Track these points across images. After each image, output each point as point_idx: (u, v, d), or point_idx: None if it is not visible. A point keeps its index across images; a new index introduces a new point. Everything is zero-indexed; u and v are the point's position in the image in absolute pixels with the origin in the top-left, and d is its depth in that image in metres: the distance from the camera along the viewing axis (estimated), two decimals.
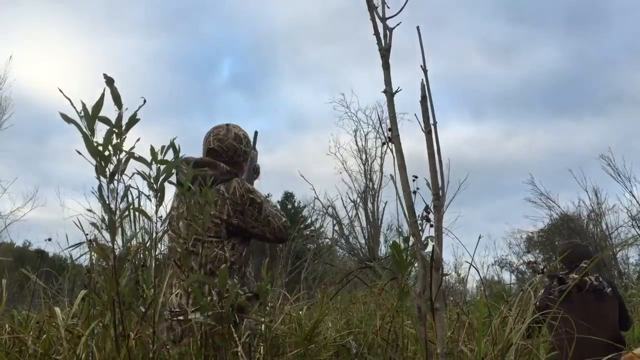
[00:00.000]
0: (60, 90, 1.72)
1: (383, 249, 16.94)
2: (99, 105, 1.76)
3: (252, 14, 27.74)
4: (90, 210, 2.02)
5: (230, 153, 2.57)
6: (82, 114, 1.76)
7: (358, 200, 18.29)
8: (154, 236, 2.02)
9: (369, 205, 18.25)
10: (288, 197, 20.45)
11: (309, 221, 18.67)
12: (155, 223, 1.99)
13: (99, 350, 1.70)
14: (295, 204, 20.21)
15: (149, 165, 1.97)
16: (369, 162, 18.69)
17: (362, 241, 17.86)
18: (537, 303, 3.58)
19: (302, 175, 17.33)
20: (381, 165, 18.48)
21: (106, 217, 1.83)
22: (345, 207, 17.99)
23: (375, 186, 18.47)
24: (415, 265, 1.49)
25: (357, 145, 19.01)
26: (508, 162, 26.84)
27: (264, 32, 28.23)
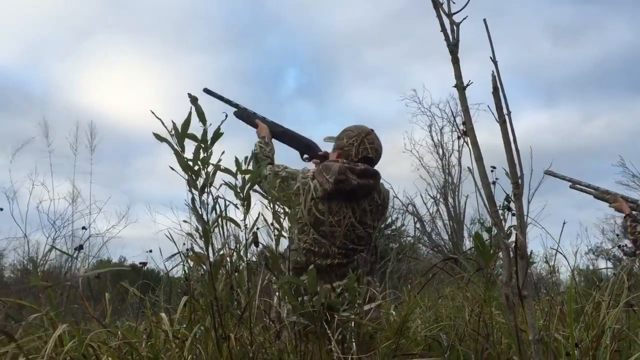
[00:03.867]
0: (153, 112, 1.86)
1: (467, 244, 16.59)
2: (187, 123, 1.89)
3: (310, 24, 27.97)
4: (185, 221, 2.16)
5: (378, 161, 2.59)
6: (173, 132, 1.89)
7: (438, 195, 18.00)
8: (243, 242, 2.13)
9: (450, 200, 17.93)
10: None
11: (389, 220, 18.60)
12: (244, 230, 2.10)
13: (204, 352, 1.82)
14: None
15: (235, 175, 2.08)
16: (447, 157, 18.34)
17: (446, 237, 17.59)
18: None
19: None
20: (459, 159, 18.10)
21: (200, 227, 1.96)
22: (425, 204, 17.71)
23: (455, 180, 18.12)
24: (500, 255, 1.50)
25: (432, 140, 18.68)
26: (590, 146, 25.41)
27: (323, 40, 28.37)
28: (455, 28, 1.59)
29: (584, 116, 27.10)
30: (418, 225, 17.58)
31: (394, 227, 18.18)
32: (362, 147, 2.51)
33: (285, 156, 2.87)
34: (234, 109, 2.86)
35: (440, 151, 18.41)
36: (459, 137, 17.34)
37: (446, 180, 18.11)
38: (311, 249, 2.37)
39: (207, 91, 2.82)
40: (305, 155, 2.92)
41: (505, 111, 1.44)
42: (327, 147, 2.82)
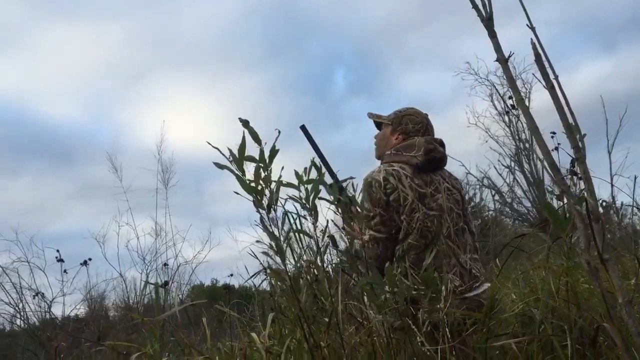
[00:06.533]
0: (209, 143, 1.93)
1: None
2: (242, 147, 1.95)
3: (347, 21, 27.78)
4: (259, 241, 2.22)
5: None
6: (231, 158, 1.96)
7: (512, 164, 17.43)
8: (319, 251, 2.17)
9: (525, 165, 17.33)
10: None
11: (467, 198, 18.17)
12: (316, 238, 2.14)
13: None
14: None
15: (297, 188, 2.13)
16: (514, 123, 17.73)
17: (528, 204, 17.00)
18: None
19: (447, 155, 16.90)
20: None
21: (273, 244, 2.01)
22: (500, 175, 17.18)
23: (527, 145, 17.48)
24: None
25: (496, 109, 18.09)
26: None
27: (363, 34, 28.11)
28: (487, 1, 1.56)
29: None
30: (497, 197, 17.11)
31: (472, 203, 17.77)
32: (427, 134, 2.57)
33: None
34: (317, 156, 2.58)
35: (506, 118, 17.83)
36: (506, 112, 16.75)
37: (517, 147, 17.52)
38: (425, 226, 2.27)
39: (303, 129, 2.59)
40: None
41: (552, 76, 1.40)
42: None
